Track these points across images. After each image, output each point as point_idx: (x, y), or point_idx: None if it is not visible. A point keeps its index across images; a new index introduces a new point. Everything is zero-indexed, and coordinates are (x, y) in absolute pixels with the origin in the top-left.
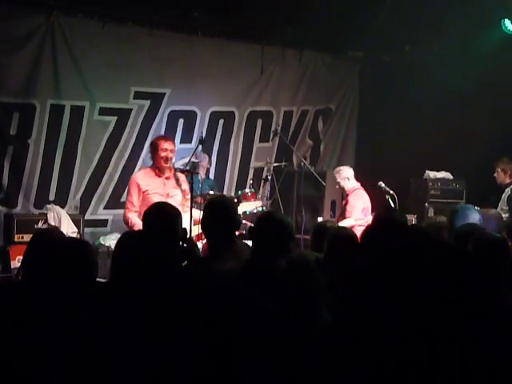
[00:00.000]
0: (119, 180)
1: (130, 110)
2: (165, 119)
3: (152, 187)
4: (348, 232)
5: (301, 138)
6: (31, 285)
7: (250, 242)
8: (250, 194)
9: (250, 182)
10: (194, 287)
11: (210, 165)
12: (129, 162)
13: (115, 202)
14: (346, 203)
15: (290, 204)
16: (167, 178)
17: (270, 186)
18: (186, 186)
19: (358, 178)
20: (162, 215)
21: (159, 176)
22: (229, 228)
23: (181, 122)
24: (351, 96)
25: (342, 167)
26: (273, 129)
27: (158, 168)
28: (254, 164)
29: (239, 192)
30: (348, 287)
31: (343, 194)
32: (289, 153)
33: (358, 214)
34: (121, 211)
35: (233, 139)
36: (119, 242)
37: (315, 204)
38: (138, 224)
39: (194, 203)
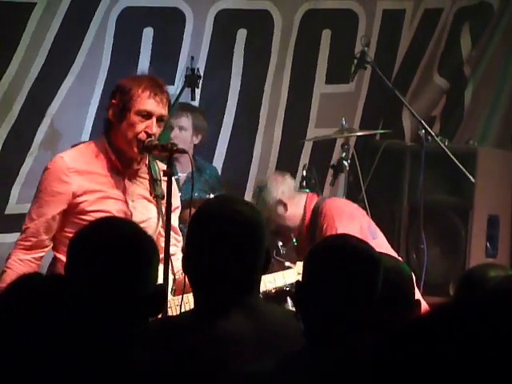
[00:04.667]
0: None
1: (32, 4)
2: (112, 28)
3: (99, 196)
4: None
5: (421, 74)
6: None
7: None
8: None
9: (303, 171)
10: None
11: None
12: (20, 131)
13: None
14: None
15: (393, 222)
16: (133, 177)
17: (347, 180)
18: (176, 200)
19: None
20: (113, 247)
21: (118, 170)
22: (246, 270)
23: (148, 33)
24: None
25: (265, 183)
26: (357, 51)
27: (119, 151)
28: (313, 133)
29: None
30: None
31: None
32: (394, 109)
33: None
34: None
35: (269, 75)
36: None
37: (452, 223)
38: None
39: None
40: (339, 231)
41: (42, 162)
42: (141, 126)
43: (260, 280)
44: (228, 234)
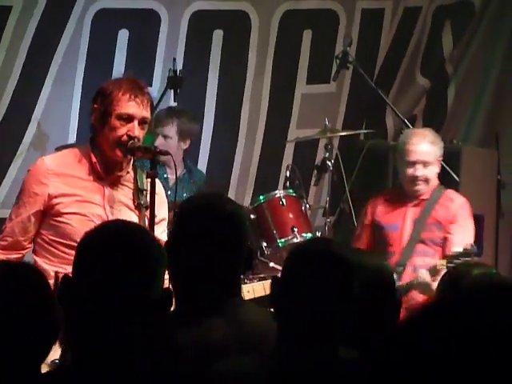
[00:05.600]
0: None
1: (8, 8)
2: (87, 30)
3: (75, 199)
4: None
5: (403, 73)
6: None
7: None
8: (284, 200)
9: (286, 172)
10: None
11: (196, 137)
12: (6, 134)
13: None
14: (453, 220)
15: None
16: (115, 183)
17: (331, 180)
18: (162, 210)
19: None
20: (122, 245)
21: (100, 175)
22: (228, 269)
23: (123, 35)
24: None
25: (427, 131)
26: (338, 52)
27: (104, 156)
28: (294, 133)
29: (261, 197)
30: None
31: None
32: (376, 109)
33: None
34: None
35: (249, 76)
36: None
37: None
38: None
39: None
40: (472, 225)
41: (29, 165)
42: (123, 130)
43: (240, 277)
44: (210, 230)
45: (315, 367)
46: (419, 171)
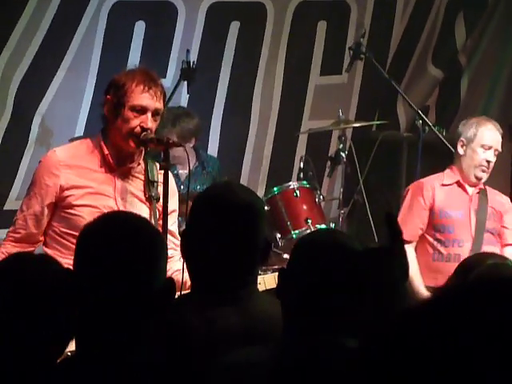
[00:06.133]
0: None
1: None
2: (103, 22)
3: (87, 191)
4: None
5: (416, 63)
6: None
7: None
8: (298, 191)
9: (300, 164)
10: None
11: (201, 130)
12: (15, 127)
13: None
14: (506, 212)
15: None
16: (126, 175)
17: (345, 172)
18: (173, 202)
19: None
20: (124, 237)
21: (111, 167)
22: (243, 259)
23: (140, 27)
24: None
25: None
26: (349, 43)
27: (116, 148)
28: (307, 125)
29: (275, 189)
30: None
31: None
32: (389, 100)
33: None
34: None
35: (261, 67)
36: None
37: None
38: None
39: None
40: None
41: (38, 158)
42: (136, 122)
43: (257, 269)
44: (227, 220)
45: (314, 363)
46: (492, 157)
